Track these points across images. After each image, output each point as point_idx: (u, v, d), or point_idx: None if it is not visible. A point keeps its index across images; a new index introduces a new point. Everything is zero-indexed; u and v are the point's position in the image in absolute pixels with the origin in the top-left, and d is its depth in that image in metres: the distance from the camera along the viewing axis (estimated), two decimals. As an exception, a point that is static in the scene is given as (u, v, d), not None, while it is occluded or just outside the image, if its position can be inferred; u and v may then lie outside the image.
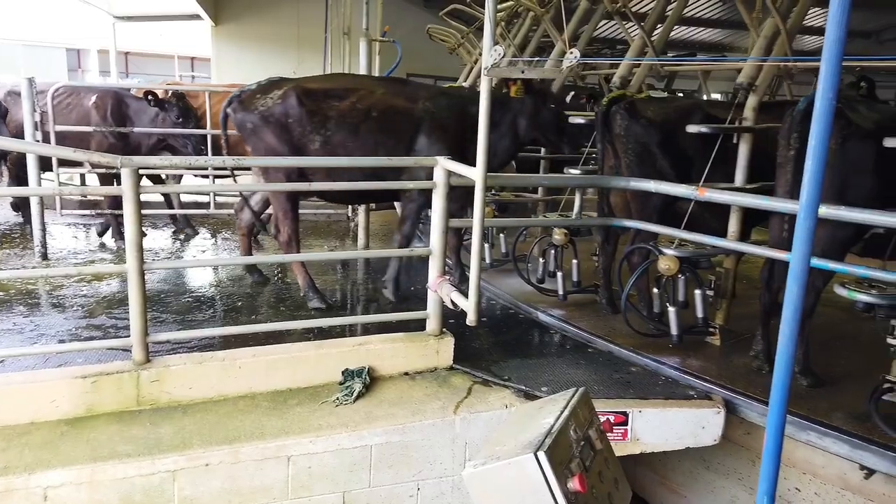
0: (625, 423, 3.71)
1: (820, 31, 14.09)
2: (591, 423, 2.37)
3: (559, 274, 5.41)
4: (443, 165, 4.01)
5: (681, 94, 10.39)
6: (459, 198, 4.98)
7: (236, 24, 11.69)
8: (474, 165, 3.55)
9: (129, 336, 3.65)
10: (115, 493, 3.11)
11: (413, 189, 4.93)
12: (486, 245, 6.39)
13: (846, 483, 3.60)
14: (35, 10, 22.54)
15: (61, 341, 4.31)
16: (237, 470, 3.29)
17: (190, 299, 5.35)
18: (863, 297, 3.51)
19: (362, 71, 6.59)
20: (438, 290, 4.08)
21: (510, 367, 4.27)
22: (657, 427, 3.76)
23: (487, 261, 6.36)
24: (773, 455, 1.95)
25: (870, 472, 3.46)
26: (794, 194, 4.06)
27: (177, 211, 7.20)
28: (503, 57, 3.09)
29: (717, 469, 4.21)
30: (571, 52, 3.18)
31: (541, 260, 5.59)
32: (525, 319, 5.35)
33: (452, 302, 3.91)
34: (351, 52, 9.04)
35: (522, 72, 3.29)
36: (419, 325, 4.29)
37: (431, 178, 4.09)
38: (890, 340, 3.58)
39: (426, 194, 4.92)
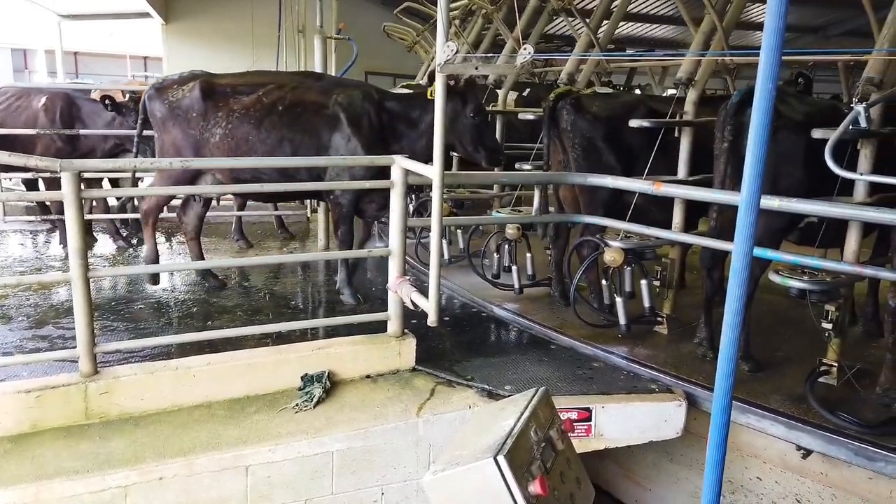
0: (588, 420, 3.71)
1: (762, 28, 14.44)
2: (552, 423, 2.35)
3: (514, 268, 5.48)
4: (400, 164, 3.95)
5: (637, 90, 10.54)
6: (379, 198, 5.06)
7: (188, 21, 11.41)
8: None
9: (75, 347, 3.51)
10: (62, 512, 2.97)
11: (339, 190, 4.94)
12: (444, 242, 6.37)
13: (786, 464, 3.71)
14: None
15: (5, 353, 4.12)
16: (192, 482, 3.18)
17: (143, 306, 5.18)
18: (795, 284, 3.65)
19: (317, 68, 6.47)
20: (399, 290, 4.02)
21: (473, 367, 4.23)
22: (620, 422, 3.77)
23: (446, 257, 6.36)
24: (718, 442, 1.97)
25: (807, 452, 3.56)
26: (726, 185, 4.23)
27: (114, 217, 6.94)
28: (456, 53, 3.04)
29: (679, 461, 4.25)
30: (525, 48, 3.15)
31: (495, 255, 5.65)
32: (486, 317, 5.33)
33: (413, 302, 3.86)
34: (306, 50, 8.91)
35: (476, 68, 3.25)
36: (380, 327, 4.22)
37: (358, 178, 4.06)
38: (824, 325, 3.75)
39: (353, 194, 4.93)
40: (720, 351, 1.90)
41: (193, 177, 5.05)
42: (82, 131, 6.35)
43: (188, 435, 3.37)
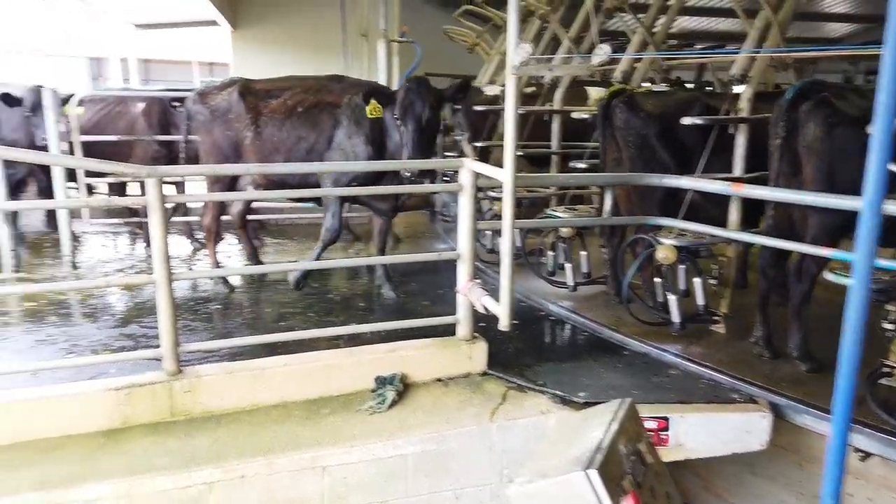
0: (666, 429, 3.61)
1: (829, 17, 13.74)
2: (639, 435, 2.29)
3: (568, 266, 5.54)
4: (468, 167, 3.94)
5: (690, 86, 10.22)
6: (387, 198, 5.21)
7: (254, 28, 11.70)
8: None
9: (159, 346, 3.63)
10: (152, 506, 3.09)
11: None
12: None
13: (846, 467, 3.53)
14: (57, 21, 22.82)
15: (94, 352, 4.31)
16: (273, 482, 3.25)
17: (219, 306, 5.34)
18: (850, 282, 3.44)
19: (381, 72, 6.53)
20: (468, 294, 4.01)
21: (544, 372, 4.18)
22: (701, 432, 3.65)
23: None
24: (837, 461, 1.88)
25: (866, 455, 3.44)
26: (780, 183, 4.16)
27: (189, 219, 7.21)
28: (530, 54, 3.00)
29: (762, 473, 4.09)
30: (601, 48, 3.09)
31: (550, 253, 5.72)
32: (553, 320, 5.29)
33: (483, 306, 3.84)
34: (369, 55, 9.00)
35: (550, 69, 3.21)
36: (447, 331, 4.21)
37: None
38: (885, 325, 3.59)
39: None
40: (839, 367, 1.80)
41: (234, 179, 5.30)
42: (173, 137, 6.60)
43: (267, 434, 3.45)
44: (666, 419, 3.62)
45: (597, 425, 2.22)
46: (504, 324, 3.68)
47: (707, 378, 4.09)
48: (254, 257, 6.03)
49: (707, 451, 3.67)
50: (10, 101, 6.21)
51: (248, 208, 5.82)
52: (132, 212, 7.28)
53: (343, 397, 3.85)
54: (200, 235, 7.33)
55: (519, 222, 5.27)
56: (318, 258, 5.27)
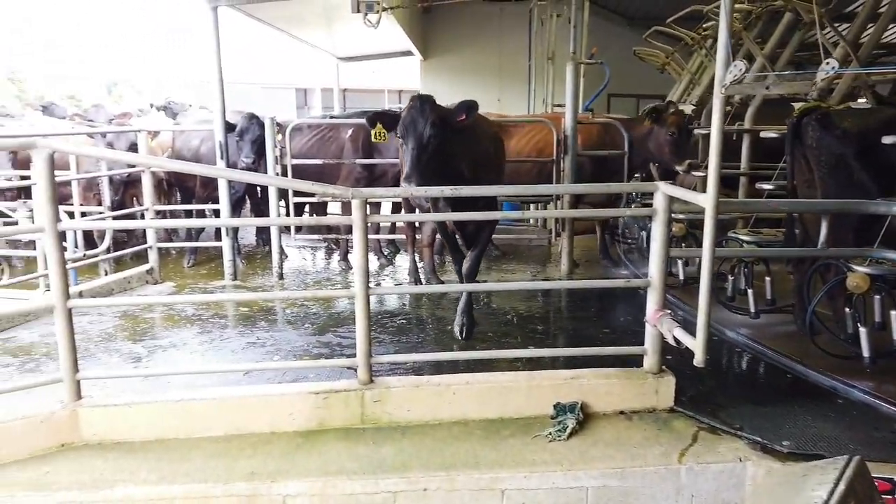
0: (892, 492, 3.13)
1: None
2: (872, 500, 2.00)
3: (750, 292, 5.14)
4: (663, 190, 3.76)
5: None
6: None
7: (442, 57, 12.29)
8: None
9: (353, 355, 3.87)
10: (342, 507, 3.27)
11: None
12: (680, 262, 6.25)
13: None
14: (271, 56, 25.70)
15: (296, 357, 4.71)
16: (453, 498, 3.30)
17: (403, 321, 5.59)
18: None
19: (568, 94, 6.49)
20: (658, 324, 3.81)
21: (740, 414, 3.83)
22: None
23: (681, 278, 6.19)
24: None
25: None
26: None
27: (380, 237, 7.64)
28: (744, 72, 2.80)
29: None
30: (828, 62, 2.80)
31: (730, 277, 5.32)
32: (740, 350, 4.90)
33: (675, 339, 3.62)
34: (554, 78, 9.02)
35: (767, 87, 2.96)
36: (629, 361, 4.03)
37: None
38: None
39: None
40: None
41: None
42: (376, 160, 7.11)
43: (448, 450, 3.51)
44: (891, 481, 3.14)
45: (817, 483, 1.97)
46: (699, 359, 3.44)
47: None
48: (434, 275, 6.26)
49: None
50: (229, 127, 7.04)
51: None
52: (329, 229, 7.92)
53: (522, 420, 3.83)
54: (387, 251, 7.80)
55: (721, 251, 4.99)
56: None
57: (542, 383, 3.88)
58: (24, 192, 7.16)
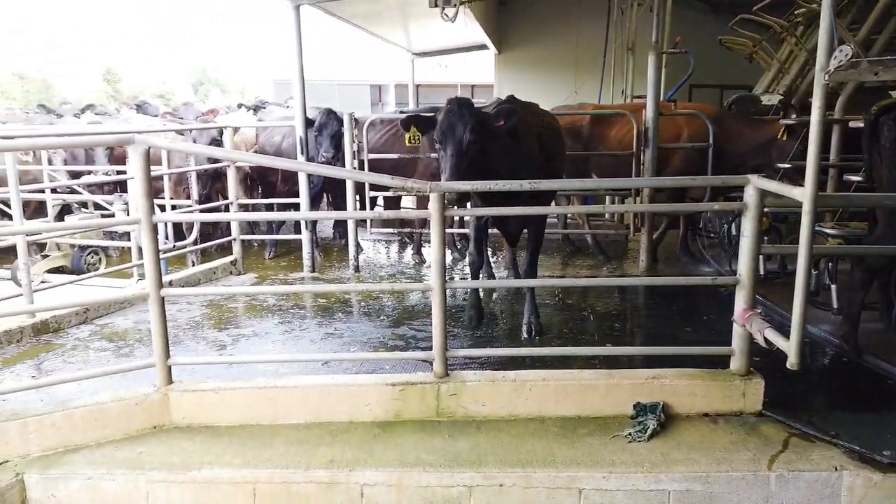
0: None
1: None
2: None
3: (833, 287, 4.96)
4: (755, 184, 3.58)
5: None
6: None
7: (517, 51, 12.18)
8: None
9: (427, 348, 3.89)
10: (419, 499, 3.29)
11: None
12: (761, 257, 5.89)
13: None
14: (345, 54, 26.24)
15: (373, 348, 4.78)
16: (529, 495, 3.27)
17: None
18: None
19: (650, 86, 6.30)
20: (747, 324, 3.63)
21: (835, 420, 3.62)
22: None
23: (761, 272, 5.82)
24: None
25: None
26: None
27: (454, 231, 7.65)
28: (850, 57, 2.61)
29: None
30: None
31: (813, 272, 5.07)
32: (831, 352, 4.62)
33: (766, 340, 3.45)
34: (634, 69, 8.77)
35: (876, 73, 2.76)
36: (712, 362, 3.87)
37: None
38: None
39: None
40: None
41: None
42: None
43: (524, 447, 3.48)
44: None
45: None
46: (793, 362, 3.25)
47: None
48: (513, 268, 6.21)
49: None
50: (308, 123, 7.19)
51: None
52: (403, 223, 7.98)
53: (600, 420, 3.74)
54: (459, 246, 7.80)
55: (824, 248, 4.74)
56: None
57: (622, 382, 3.78)
58: (120, 187, 7.58)
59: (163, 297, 3.66)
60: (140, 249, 6.35)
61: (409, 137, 4.57)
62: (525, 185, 3.58)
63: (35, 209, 7.79)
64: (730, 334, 3.82)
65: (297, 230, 7.70)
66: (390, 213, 3.42)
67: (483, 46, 11.99)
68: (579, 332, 5.13)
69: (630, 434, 3.55)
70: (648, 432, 3.54)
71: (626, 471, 3.26)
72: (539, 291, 6.05)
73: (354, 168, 6.82)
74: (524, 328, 5.01)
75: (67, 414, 3.51)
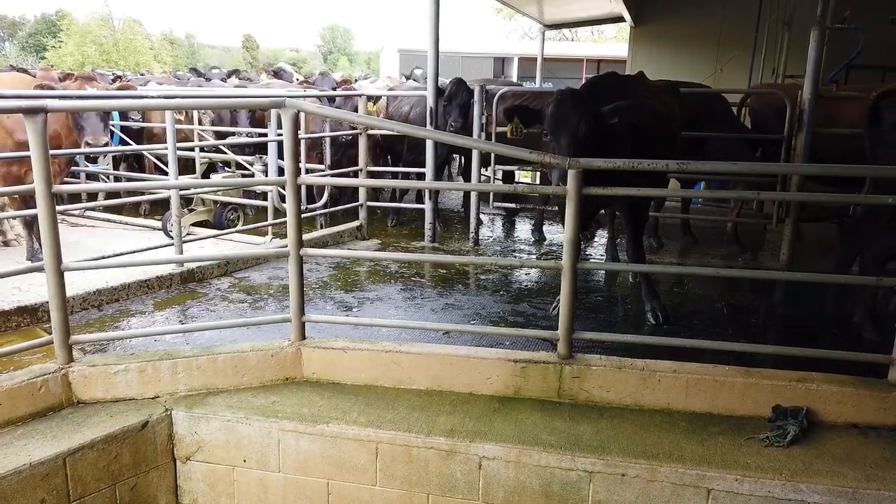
0: None
1: None
2: None
3: None
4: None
5: None
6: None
7: (655, 24, 11.53)
8: None
9: (548, 327, 3.81)
10: (536, 478, 3.27)
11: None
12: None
13: None
14: (469, 25, 26.20)
15: (491, 322, 4.77)
16: (653, 489, 3.15)
17: (600, 298, 5.42)
18: None
19: (810, 64, 5.75)
20: (914, 332, 3.28)
21: None
22: None
23: None
24: None
25: None
26: None
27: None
28: None
29: None
30: None
31: None
32: None
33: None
34: (788, 46, 8.07)
35: None
36: (857, 369, 3.53)
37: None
38: None
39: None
40: None
41: None
42: None
43: (650, 438, 3.35)
44: None
45: None
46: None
47: None
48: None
49: None
50: (439, 93, 7.19)
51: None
52: (519, 198, 7.86)
53: (733, 419, 3.54)
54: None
55: None
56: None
57: (761, 382, 3.54)
58: (259, 148, 7.98)
59: (301, 257, 3.81)
60: (275, 210, 6.70)
61: (511, 130, 4.30)
62: (672, 164, 3.38)
63: (182, 167, 8.37)
64: (886, 342, 3.47)
65: (419, 200, 7.80)
66: (526, 188, 3.34)
67: (619, 18, 11.49)
68: (711, 324, 4.85)
69: (767, 437, 3.33)
70: (789, 438, 3.30)
71: (762, 476, 3.06)
72: (665, 278, 5.80)
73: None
74: (649, 314, 4.81)
75: (211, 359, 3.77)
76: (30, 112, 3.24)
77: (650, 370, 3.63)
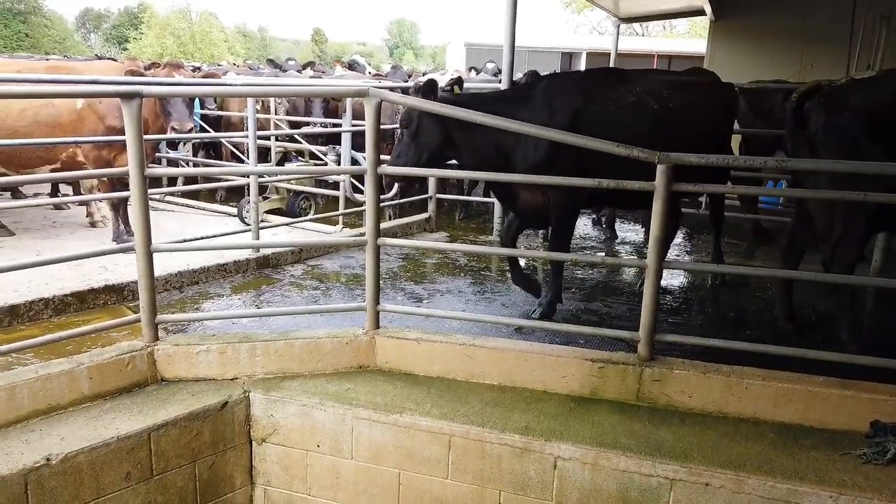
0: None
1: None
2: None
3: None
4: None
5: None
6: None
7: (737, 18, 11.05)
8: None
9: (623, 327, 3.68)
10: (614, 482, 3.16)
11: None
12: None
13: None
14: (538, 18, 25.88)
15: (563, 320, 4.66)
16: (739, 501, 3.00)
17: (679, 300, 5.24)
18: None
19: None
20: None
21: None
22: None
23: None
24: None
25: None
26: None
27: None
28: None
29: None
30: None
31: None
32: None
33: None
34: (887, 42, 7.61)
35: None
36: None
37: None
38: None
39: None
40: None
41: None
42: None
43: (736, 448, 3.20)
44: None
45: None
46: None
47: None
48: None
49: None
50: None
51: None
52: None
53: (826, 432, 3.34)
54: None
55: None
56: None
57: (859, 395, 3.33)
58: (331, 139, 8.08)
59: (378, 246, 3.81)
60: (346, 199, 6.76)
61: None
62: (770, 161, 3.21)
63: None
64: None
65: (487, 193, 7.73)
66: (612, 182, 3.20)
67: (699, 12, 11.03)
68: (798, 332, 4.61)
69: (865, 454, 3.13)
70: (889, 456, 3.09)
71: (860, 494, 2.87)
72: (751, 282, 5.57)
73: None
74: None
75: (289, 343, 3.81)
76: (126, 97, 3.33)
77: (738, 376, 3.47)
